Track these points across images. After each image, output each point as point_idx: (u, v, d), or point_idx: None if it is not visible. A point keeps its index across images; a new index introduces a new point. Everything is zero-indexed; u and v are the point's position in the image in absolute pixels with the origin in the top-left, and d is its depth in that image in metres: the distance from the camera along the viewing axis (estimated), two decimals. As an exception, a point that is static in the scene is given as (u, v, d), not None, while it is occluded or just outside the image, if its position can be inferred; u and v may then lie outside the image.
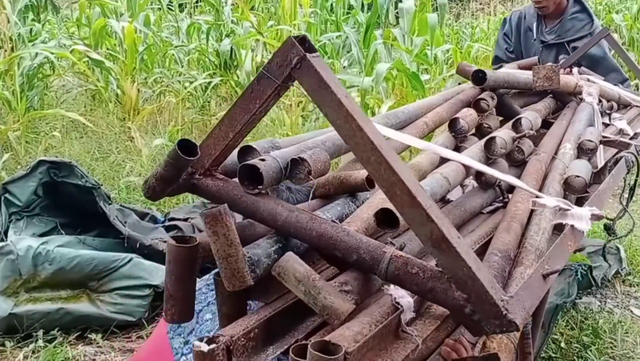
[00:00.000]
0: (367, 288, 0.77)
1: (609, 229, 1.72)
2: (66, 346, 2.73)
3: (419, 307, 0.80)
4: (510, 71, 1.79)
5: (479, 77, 1.56)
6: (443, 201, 1.20)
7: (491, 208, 1.24)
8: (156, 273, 2.93)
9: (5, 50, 5.30)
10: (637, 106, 2.31)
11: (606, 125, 1.94)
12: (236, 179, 0.86)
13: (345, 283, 0.74)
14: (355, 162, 1.09)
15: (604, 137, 1.65)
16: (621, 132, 1.92)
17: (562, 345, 2.95)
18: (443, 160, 1.20)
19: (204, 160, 0.83)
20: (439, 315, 0.84)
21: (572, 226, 0.99)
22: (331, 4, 7.60)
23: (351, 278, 0.76)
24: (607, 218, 1.64)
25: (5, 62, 5.21)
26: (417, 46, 6.13)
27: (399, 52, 6.28)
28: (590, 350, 2.93)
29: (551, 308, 2.91)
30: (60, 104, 5.97)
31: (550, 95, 1.86)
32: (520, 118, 1.43)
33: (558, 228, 1.06)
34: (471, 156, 1.20)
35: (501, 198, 1.26)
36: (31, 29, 6.48)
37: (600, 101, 1.94)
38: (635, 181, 1.58)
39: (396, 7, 6.79)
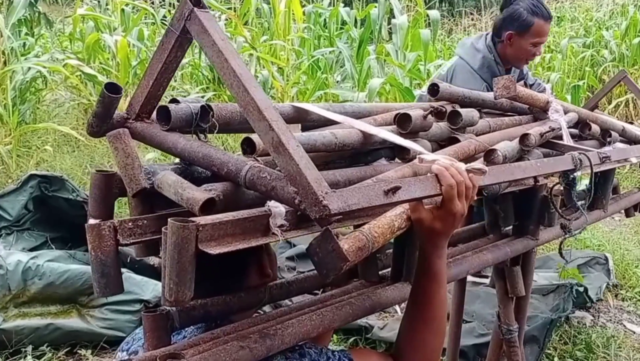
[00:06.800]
0: (236, 196, 0.94)
1: (564, 227, 1.75)
2: (55, 362, 2.70)
3: (296, 223, 0.90)
4: (475, 91, 1.74)
5: (433, 90, 1.54)
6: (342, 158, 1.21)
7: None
8: (147, 288, 2.90)
9: (-2, 64, 5.29)
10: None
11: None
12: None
13: (211, 186, 0.92)
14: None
15: (553, 140, 1.61)
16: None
17: (556, 359, 2.94)
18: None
19: (135, 107, 1.02)
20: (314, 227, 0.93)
21: None
22: (324, 20, 7.64)
23: (219, 184, 0.93)
24: (564, 218, 1.70)
25: (-2, 76, 5.20)
26: (410, 61, 6.16)
27: (392, 68, 6.30)
28: (584, 365, 2.92)
29: (545, 323, 2.90)
30: (53, 118, 5.96)
31: (532, 115, 1.83)
32: (456, 111, 1.42)
33: None
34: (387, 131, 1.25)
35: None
36: (24, 43, 6.48)
37: (589, 126, 1.90)
38: (592, 183, 1.59)
39: (389, 23, 6.83)
